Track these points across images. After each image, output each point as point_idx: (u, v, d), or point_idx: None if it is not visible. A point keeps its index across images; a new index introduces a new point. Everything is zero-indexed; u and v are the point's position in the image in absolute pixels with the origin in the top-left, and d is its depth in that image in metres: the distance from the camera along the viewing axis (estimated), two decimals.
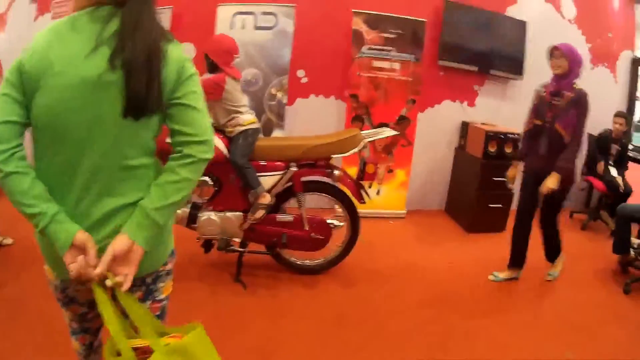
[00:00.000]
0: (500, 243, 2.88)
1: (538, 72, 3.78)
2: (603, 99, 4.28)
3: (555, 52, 2.31)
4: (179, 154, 0.85)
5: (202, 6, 3.23)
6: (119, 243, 0.80)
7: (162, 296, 0.97)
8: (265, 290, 2.27)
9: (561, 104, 2.31)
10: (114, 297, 0.81)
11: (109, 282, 0.78)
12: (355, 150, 2.27)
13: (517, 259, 2.61)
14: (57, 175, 0.81)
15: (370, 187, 3.34)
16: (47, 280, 0.94)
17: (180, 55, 0.86)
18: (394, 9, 3.32)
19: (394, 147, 3.42)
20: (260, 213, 2.19)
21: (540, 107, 2.40)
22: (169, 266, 0.98)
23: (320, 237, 2.31)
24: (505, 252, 2.64)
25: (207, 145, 0.87)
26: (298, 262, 2.43)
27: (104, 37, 0.78)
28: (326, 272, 2.46)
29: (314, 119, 3.36)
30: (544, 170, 2.34)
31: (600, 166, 3.69)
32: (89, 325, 0.99)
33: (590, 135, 4.04)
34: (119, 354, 0.77)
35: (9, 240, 2.51)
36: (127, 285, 0.80)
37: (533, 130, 2.45)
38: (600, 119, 4.07)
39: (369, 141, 2.39)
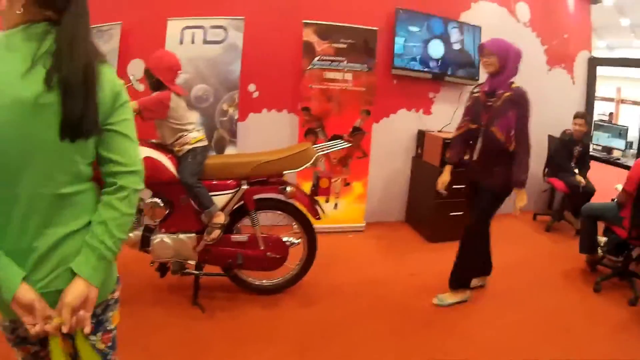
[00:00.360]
0: None
1: None
2: (562, 100, 4.39)
3: (483, 50, 2.16)
4: (112, 187, 0.85)
5: (151, 21, 3.17)
6: (75, 293, 0.80)
7: (112, 326, 0.97)
8: (224, 312, 2.23)
9: (497, 105, 2.15)
10: (70, 337, 0.83)
11: (65, 329, 0.79)
12: (308, 165, 2.25)
13: (485, 266, 2.60)
14: None
15: (327, 201, 3.34)
16: None
17: (115, 79, 0.86)
18: (345, 19, 3.31)
19: (349, 159, 3.42)
20: (216, 233, 2.15)
21: (475, 110, 2.28)
22: (117, 294, 0.98)
23: (277, 256, 2.28)
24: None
25: (138, 176, 0.88)
26: (256, 283, 2.41)
27: (39, 56, 0.75)
28: (286, 291, 2.44)
29: (267, 134, 3.33)
30: (480, 177, 2.29)
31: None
32: None
33: (550, 137, 4.13)
34: None
35: None
36: (88, 329, 0.82)
37: (465, 134, 2.35)
38: (560, 120, 4.18)
39: (322, 154, 2.38)
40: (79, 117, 0.77)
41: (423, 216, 3.56)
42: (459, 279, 2.44)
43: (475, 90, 2.33)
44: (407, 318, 2.32)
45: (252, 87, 3.32)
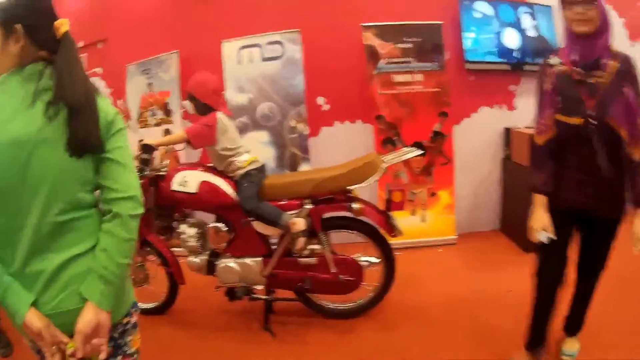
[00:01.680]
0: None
1: None
2: None
3: None
4: (110, 215, 0.87)
5: (207, 46, 3.09)
6: (86, 319, 0.82)
7: (132, 349, 0.98)
8: (295, 337, 2.11)
9: (605, 81, 1.36)
10: None
11: (78, 354, 0.81)
12: (375, 177, 2.00)
13: (538, 335, 1.70)
14: (1, 239, 0.82)
15: (413, 214, 3.01)
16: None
17: (109, 108, 0.90)
18: (405, 16, 3.05)
19: (432, 167, 3.05)
20: (300, 242, 1.96)
21: (566, 93, 1.41)
22: (134, 318, 0.99)
23: (350, 278, 2.07)
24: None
25: (134, 201, 0.89)
26: (330, 306, 2.21)
27: (38, 92, 0.81)
28: (364, 314, 2.21)
29: (341, 147, 3.05)
30: (594, 202, 1.45)
31: None
32: None
33: None
34: None
35: None
36: (103, 355, 0.84)
37: (559, 137, 1.45)
38: None
39: (391, 164, 2.12)
40: (86, 134, 0.83)
41: (518, 223, 3.07)
42: (582, 323, 1.80)
43: (553, 60, 1.45)
44: (506, 342, 1.89)
45: (320, 100, 3.10)
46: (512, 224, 3.21)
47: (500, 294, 2.36)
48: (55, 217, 0.82)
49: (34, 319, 0.79)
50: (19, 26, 0.81)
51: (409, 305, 2.28)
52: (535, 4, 3.35)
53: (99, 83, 3.67)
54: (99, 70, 3.62)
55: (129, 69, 3.41)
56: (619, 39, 3.71)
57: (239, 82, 2.99)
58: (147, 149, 1.98)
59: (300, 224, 1.95)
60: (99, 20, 3.58)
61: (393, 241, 2.92)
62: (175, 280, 2.21)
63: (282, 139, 2.97)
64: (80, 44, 3.81)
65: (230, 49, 3.02)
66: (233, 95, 2.99)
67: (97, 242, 0.87)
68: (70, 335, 0.82)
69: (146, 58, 3.30)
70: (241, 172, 2.04)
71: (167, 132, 3.19)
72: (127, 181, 0.89)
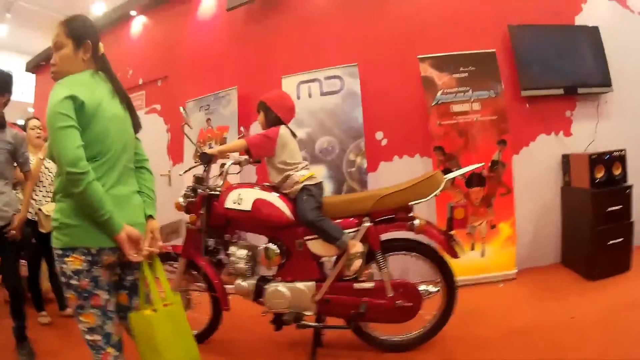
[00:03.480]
0: (628, 284, 2.55)
1: (625, 77, 3.36)
2: None
3: None
4: (144, 169, 1.48)
5: (266, 81, 3.19)
6: (155, 226, 1.39)
7: None
8: None
9: None
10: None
11: (156, 250, 1.36)
12: (437, 192, 1.95)
13: None
14: (105, 170, 1.26)
15: (473, 248, 2.93)
16: (71, 271, 1.21)
17: None
18: (459, 46, 3.08)
19: (492, 198, 3.00)
20: (357, 264, 1.89)
21: None
22: None
23: (408, 304, 1.94)
24: (635, 293, 2.18)
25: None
26: (382, 338, 2.08)
27: (113, 91, 1.34)
28: (420, 347, 2.07)
29: (400, 181, 3.03)
30: None
31: None
32: (110, 329, 1.26)
33: None
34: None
35: None
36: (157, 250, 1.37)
37: None
38: None
39: (452, 178, 2.09)
40: (137, 122, 1.43)
41: (579, 252, 2.99)
42: None
43: None
44: None
45: (379, 135, 3.14)
46: (574, 252, 3.10)
47: (563, 322, 2.25)
48: (128, 163, 1.36)
49: (127, 227, 1.22)
50: (88, 42, 1.29)
51: (470, 338, 2.16)
52: (583, 25, 3.33)
53: (157, 119, 3.85)
54: (157, 107, 3.80)
55: (187, 105, 3.56)
56: None
57: (298, 116, 3.04)
58: (204, 157, 1.98)
59: (359, 245, 1.91)
60: (160, 58, 3.77)
61: None
62: (219, 308, 2.15)
63: (341, 173, 2.99)
64: (140, 81, 4.02)
65: (289, 84, 3.11)
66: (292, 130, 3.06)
67: (139, 187, 1.40)
68: None
69: (205, 95, 3.44)
70: (298, 187, 1.99)
71: (222, 166, 3.28)
72: (144, 151, 1.48)
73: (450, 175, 2.06)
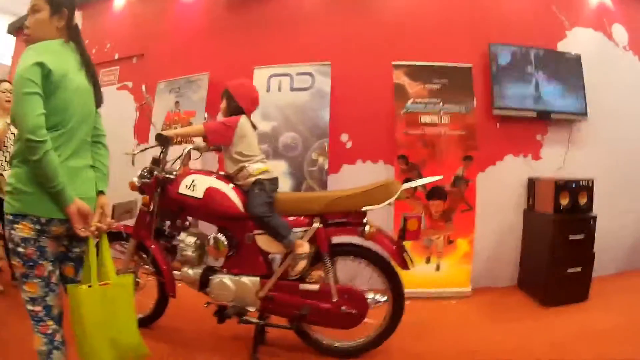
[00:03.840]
0: (582, 315, 2.54)
1: (602, 108, 3.36)
2: None
3: None
4: (100, 144, 1.47)
5: (238, 70, 3.11)
6: (105, 201, 1.39)
7: None
8: None
9: None
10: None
11: (104, 227, 1.35)
12: (391, 200, 1.90)
13: None
14: (62, 142, 1.25)
15: (428, 262, 2.90)
16: (19, 238, 1.22)
17: None
18: (436, 57, 3.05)
19: (452, 212, 2.96)
20: (301, 265, 1.88)
21: None
22: None
23: (353, 311, 1.90)
24: (589, 324, 2.13)
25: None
26: (325, 342, 2.06)
27: (80, 62, 1.35)
28: (363, 355, 2.05)
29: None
30: None
31: None
32: (52, 302, 1.26)
33: None
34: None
35: None
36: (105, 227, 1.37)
37: None
38: None
39: (410, 188, 2.08)
40: (100, 96, 1.43)
41: (536, 277, 2.98)
42: None
43: None
44: None
45: (345, 137, 3.09)
46: (531, 277, 3.08)
47: (508, 348, 2.23)
48: (86, 137, 1.36)
49: (78, 201, 1.24)
50: (65, 10, 1.29)
51: (414, 353, 2.13)
52: (565, 52, 3.33)
53: (127, 96, 3.77)
54: (129, 84, 3.73)
55: (159, 86, 3.48)
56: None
57: (266, 109, 3.01)
58: (160, 139, 1.93)
59: (306, 246, 1.88)
60: (139, 35, 3.70)
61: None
62: (165, 293, 2.13)
63: (301, 172, 2.93)
64: (115, 56, 3.94)
65: (261, 76, 3.05)
66: (258, 122, 2.97)
67: (93, 161, 1.40)
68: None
69: (177, 77, 3.37)
70: (251, 179, 1.96)
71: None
72: (103, 126, 1.48)
73: (407, 185, 2.02)
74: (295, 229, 1.93)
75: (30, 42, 1.24)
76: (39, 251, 1.22)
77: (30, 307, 1.24)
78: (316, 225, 1.92)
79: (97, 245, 1.34)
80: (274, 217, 1.90)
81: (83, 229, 1.25)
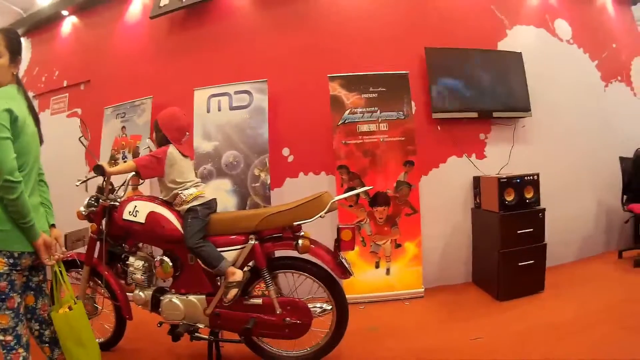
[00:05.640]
0: (540, 305, 2.57)
1: (546, 103, 3.42)
2: (626, 116, 3.84)
3: None
4: (43, 183, 1.59)
5: (179, 93, 3.17)
6: (59, 233, 1.55)
7: None
8: None
9: None
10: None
11: (59, 257, 1.54)
12: (322, 213, 1.93)
13: None
14: (24, 183, 1.36)
15: (377, 266, 2.95)
16: None
17: None
18: (372, 67, 3.10)
19: (397, 217, 3.01)
20: (232, 293, 1.92)
21: None
22: None
23: (297, 322, 1.96)
24: (547, 315, 2.16)
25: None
26: (276, 352, 2.13)
27: (27, 107, 1.44)
28: None
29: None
30: None
31: None
32: (21, 331, 1.38)
33: (622, 159, 3.55)
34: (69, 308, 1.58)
35: None
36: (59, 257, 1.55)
37: None
38: (629, 138, 3.65)
39: (339, 199, 2.06)
40: (41, 136, 1.51)
41: (488, 272, 3.03)
42: None
43: None
44: None
45: (286, 151, 3.13)
46: (484, 273, 3.14)
47: (468, 343, 2.27)
48: (37, 176, 1.48)
49: (43, 234, 1.38)
50: (20, 58, 1.42)
51: (368, 357, 2.17)
52: (505, 51, 3.38)
53: (77, 123, 3.78)
54: (79, 110, 3.74)
55: (105, 112, 3.50)
56: (594, 82, 3.75)
57: (207, 129, 3.04)
58: (97, 169, 1.97)
59: (238, 274, 1.92)
60: (85, 62, 3.71)
61: (357, 295, 2.87)
62: (122, 316, 2.18)
63: (245, 188, 2.96)
64: (64, 83, 3.95)
65: (200, 96, 3.08)
66: (200, 143, 3.03)
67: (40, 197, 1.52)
68: None
69: (123, 102, 3.39)
70: (185, 206, 2.00)
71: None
72: (42, 165, 1.57)
73: (338, 198, 2.06)
74: (234, 247, 1.97)
75: None
76: (10, 285, 1.32)
77: (1, 337, 1.33)
78: (252, 242, 1.96)
79: (55, 275, 1.54)
80: (205, 247, 1.94)
81: (48, 259, 1.41)
